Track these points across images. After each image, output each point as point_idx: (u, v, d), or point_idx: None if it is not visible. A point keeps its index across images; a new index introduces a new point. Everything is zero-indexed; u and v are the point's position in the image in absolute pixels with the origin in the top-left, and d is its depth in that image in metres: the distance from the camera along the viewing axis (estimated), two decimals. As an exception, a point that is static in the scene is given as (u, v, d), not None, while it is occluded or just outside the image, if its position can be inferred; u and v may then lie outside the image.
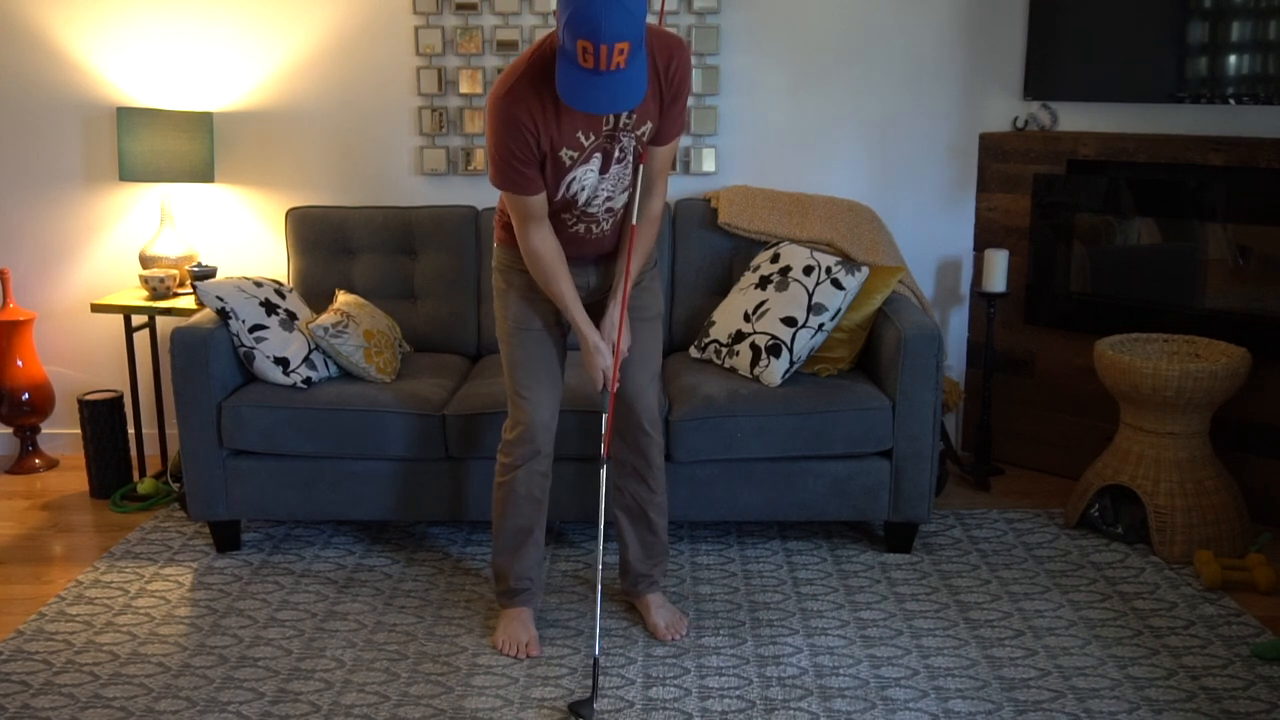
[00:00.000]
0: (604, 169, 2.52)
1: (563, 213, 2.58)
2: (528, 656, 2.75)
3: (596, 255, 2.71)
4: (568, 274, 2.62)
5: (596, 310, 2.77)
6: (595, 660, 2.61)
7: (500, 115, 2.40)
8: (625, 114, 2.44)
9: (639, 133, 2.49)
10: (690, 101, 3.84)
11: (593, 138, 2.45)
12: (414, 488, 3.25)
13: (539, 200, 2.51)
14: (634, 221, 2.64)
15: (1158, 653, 2.74)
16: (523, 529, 2.79)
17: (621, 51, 2.18)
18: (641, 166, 2.58)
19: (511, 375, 2.73)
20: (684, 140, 3.95)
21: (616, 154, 2.51)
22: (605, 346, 2.66)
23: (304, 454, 3.22)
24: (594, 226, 2.63)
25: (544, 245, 2.57)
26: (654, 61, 2.41)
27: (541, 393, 2.71)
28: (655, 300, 2.82)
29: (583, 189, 2.53)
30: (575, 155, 2.46)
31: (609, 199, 2.59)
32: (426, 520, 3.48)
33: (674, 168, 2.71)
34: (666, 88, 2.46)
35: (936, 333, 3.15)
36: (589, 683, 2.62)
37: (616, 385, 2.70)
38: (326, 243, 3.79)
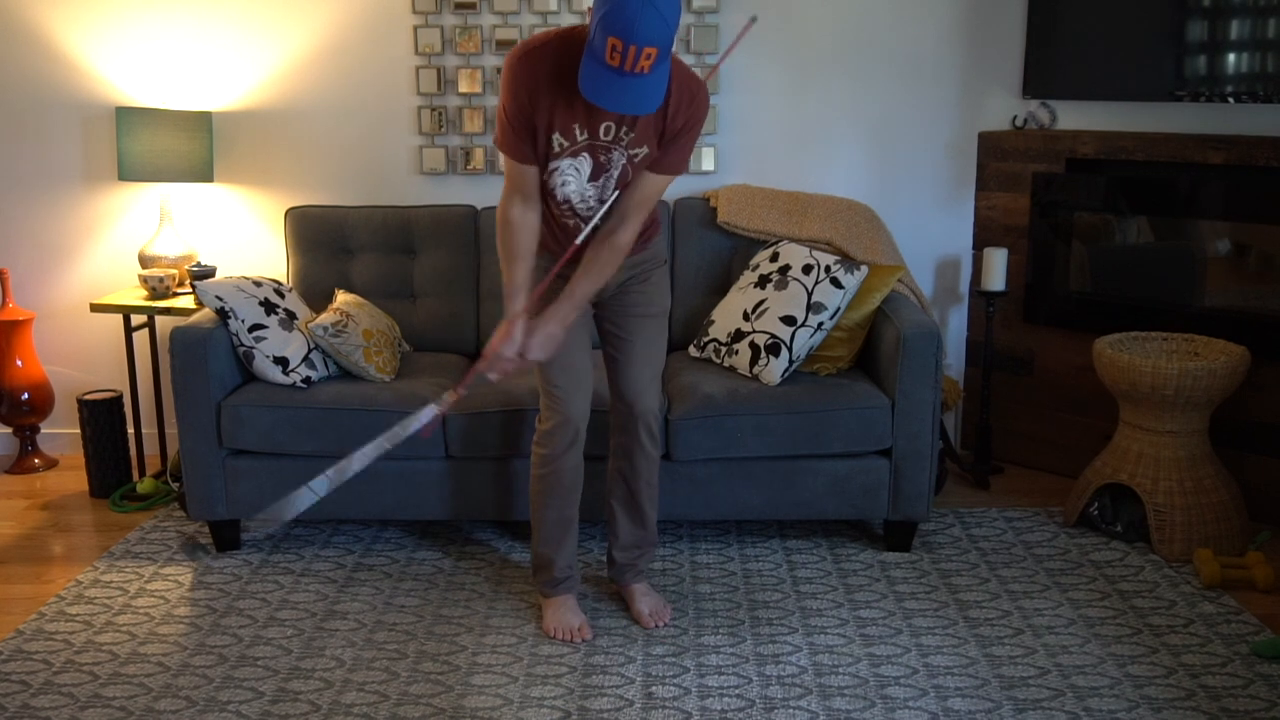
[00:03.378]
0: (593, 176, 2.52)
1: (559, 204, 2.59)
2: (583, 640, 2.79)
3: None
4: (530, 259, 2.60)
5: (608, 307, 2.78)
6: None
7: (508, 73, 2.43)
8: (624, 129, 2.45)
9: (633, 153, 2.48)
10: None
11: (585, 136, 2.46)
12: (414, 487, 3.25)
13: (529, 173, 2.52)
14: (581, 238, 2.58)
15: (1157, 651, 2.74)
16: (566, 519, 2.83)
17: (649, 56, 2.19)
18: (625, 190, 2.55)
19: (543, 372, 2.73)
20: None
21: (605, 164, 2.51)
22: (519, 341, 2.55)
23: (304, 454, 3.22)
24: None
25: (520, 220, 2.56)
26: (670, 92, 2.41)
27: (574, 381, 2.73)
28: (661, 297, 2.83)
29: (565, 183, 2.53)
30: (565, 144, 2.47)
31: (602, 205, 2.57)
32: (426, 520, 3.48)
33: (657, 211, 2.66)
34: (671, 122, 2.45)
35: (936, 331, 3.15)
36: (587, 682, 2.62)
37: (497, 379, 2.61)
38: (326, 242, 3.79)
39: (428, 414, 2.58)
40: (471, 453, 3.21)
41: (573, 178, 2.52)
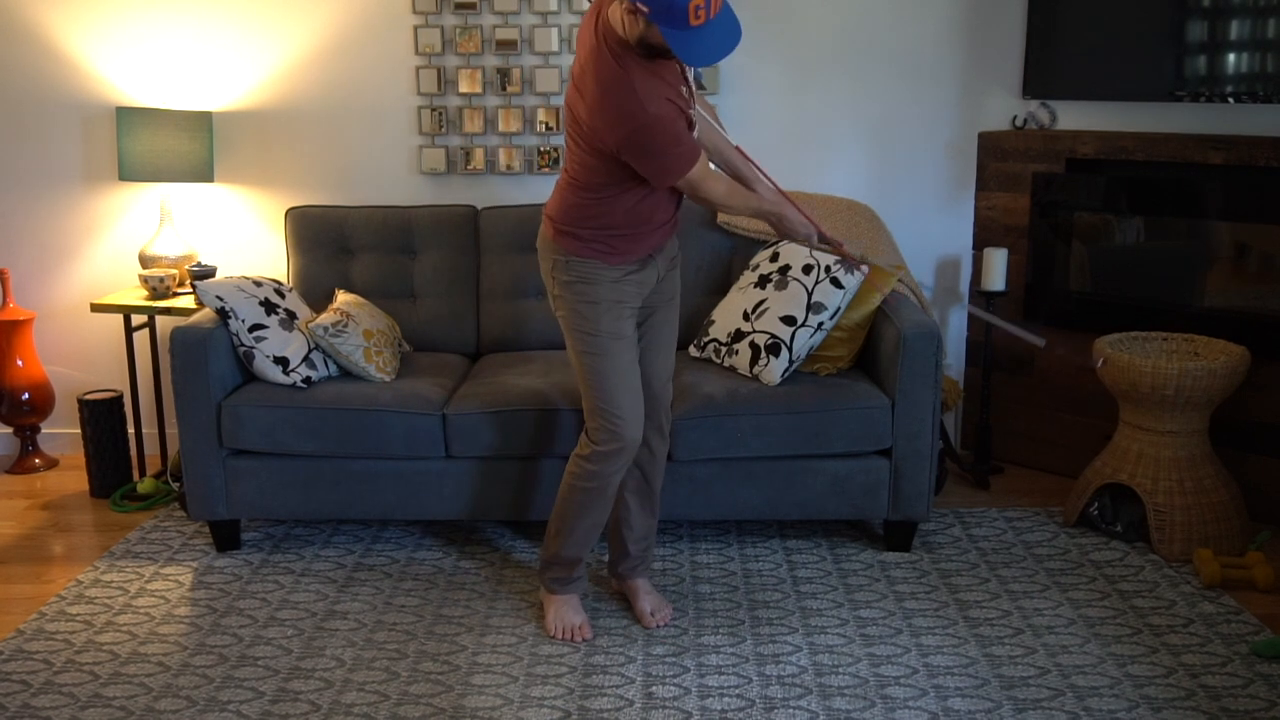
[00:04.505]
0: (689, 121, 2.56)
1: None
2: (583, 640, 2.79)
3: (673, 227, 2.72)
4: (745, 178, 2.68)
5: (655, 301, 2.77)
6: None
7: (657, 115, 2.36)
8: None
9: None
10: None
11: (686, 91, 2.50)
12: (414, 487, 3.25)
13: (705, 158, 2.54)
14: (733, 140, 2.71)
15: (1157, 651, 2.74)
16: (599, 524, 2.81)
17: None
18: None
19: (602, 388, 2.65)
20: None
21: (691, 98, 2.54)
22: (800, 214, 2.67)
23: (304, 453, 3.22)
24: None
25: (727, 182, 2.58)
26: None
27: (636, 405, 2.69)
28: (679, 284, 2.86)
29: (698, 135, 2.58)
30: (690, 114, 2.50)
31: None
32: (426, 519, 3.48)
33: None
34: None
35: (936, 331, 3.15)
36: (587, 682, 2.62)
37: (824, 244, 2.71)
38: (326, 242, 3.79)
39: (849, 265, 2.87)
40: (471, 452, 3.21)
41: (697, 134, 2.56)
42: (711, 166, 2.60)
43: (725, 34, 2.27)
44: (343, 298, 3.53)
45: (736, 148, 2.73)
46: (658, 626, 2.87)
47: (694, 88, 2.56)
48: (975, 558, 3.28)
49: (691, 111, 2.51)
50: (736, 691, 2.58)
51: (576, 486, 2.74)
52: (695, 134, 2.53)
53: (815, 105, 3.97)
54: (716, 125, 2.70)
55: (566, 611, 2.84)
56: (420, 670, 2.68)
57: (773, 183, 2.73)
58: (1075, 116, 3.82)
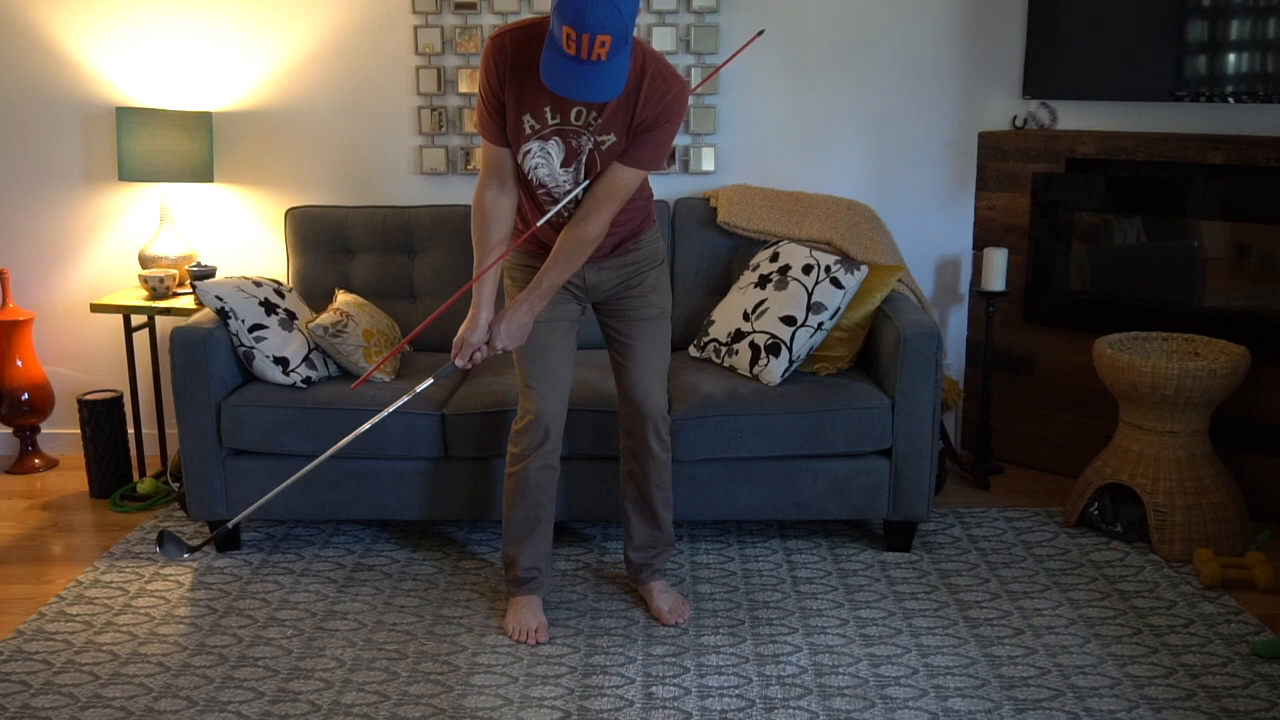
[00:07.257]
0: (566, 162, 2.53)
1: (538, 189, 2.60)
2: (536, 642, 2.79)
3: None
4: (498, 242, 2.63)
5: (608, 311, 2.80)
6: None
7: (483, 55, 2.48)
8: (593, 114, 2.45)
9: (600, 139, 2.48)
10: (690, 100, 3.84)
11: (558, 120, 2.47)
12: (414, 487, 3.25)
13: (502, 155, 2.56)
14: (541, 223, 2.63)
15: (1157, 651, 2.74)
16: (531, 520, 2.83)
17: (603, 44, 2.21)
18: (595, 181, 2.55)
19: (520, 367, 2.77)
20: (683, 139, 3.95)
21: (576, 149, 2.52)
22: (484, 329, 2.66)
23: (304, 454, 3.22)
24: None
25: (493, 206, 2.60)
26: (643, 83, 2.42)
27: (548, 383, 2.74)
28: (660, 298, 2.84)
29: (537, 166, 2.54)
30: (536, 127, 2.49)
31: (575, 192, 2.58)
32: (426, 519, 3.48)
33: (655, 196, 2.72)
34: (641, 112, 2.44)
35: (936, 331, 3.15)
36: (587, 682, 2.62)
37: (468, 366, 2.69)
38: (326, 242, 3.79)
39: (399, 403, 2.80)
40: (471, 452, 3.21)
41: (543, 161, 2.53)
42: (577, 202, 2.57)
43: (582, 79, 2.26)
44: (342, 298, 3.53)
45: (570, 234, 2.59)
46: (676, 624, 2.88)
47: (580, 128, 2.47)
48: (975, 558, 3.28)
49: (535, 133, 2.49)
50: (736, 692, 2.58)
51: (506, 474, 2.84)
52: (524, 149, 2.51)
53: (816, 105, 3.97)
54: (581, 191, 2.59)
55: (523, 614, 2.85)
56: (420, 670, 2.68)
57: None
58: (1075, 116, 3.82)
